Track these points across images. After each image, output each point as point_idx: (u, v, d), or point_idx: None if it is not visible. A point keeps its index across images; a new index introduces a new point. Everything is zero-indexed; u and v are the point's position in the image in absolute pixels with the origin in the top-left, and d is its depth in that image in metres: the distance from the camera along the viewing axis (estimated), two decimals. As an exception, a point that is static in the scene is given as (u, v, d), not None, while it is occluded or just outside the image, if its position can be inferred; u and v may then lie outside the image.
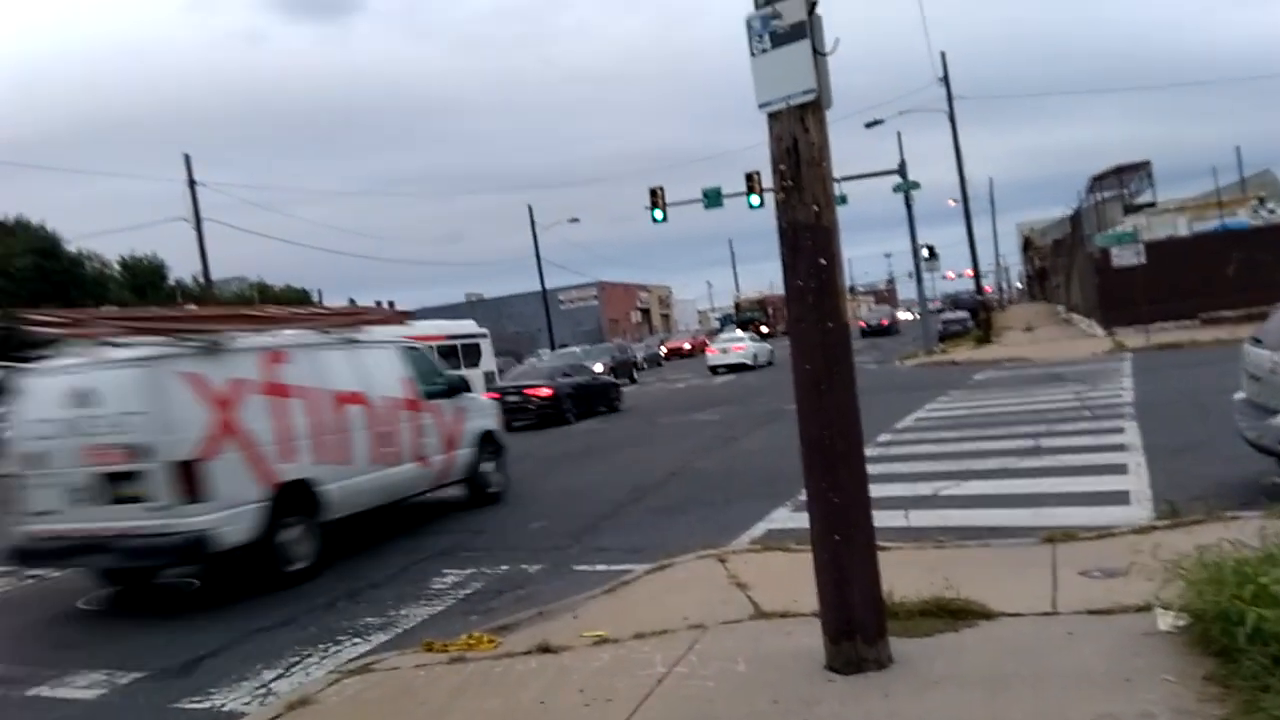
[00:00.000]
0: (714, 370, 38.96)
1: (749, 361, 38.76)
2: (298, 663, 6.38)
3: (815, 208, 4.49)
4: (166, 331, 8.46)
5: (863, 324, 63.81)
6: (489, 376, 34.09)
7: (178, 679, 6.32)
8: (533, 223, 56.36)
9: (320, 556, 8.96)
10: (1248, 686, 3.76)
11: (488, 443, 12.31)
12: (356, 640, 6.77)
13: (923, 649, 4.81)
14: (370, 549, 9.94)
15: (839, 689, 4.44)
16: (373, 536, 10.50)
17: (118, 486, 7.94)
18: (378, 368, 10.52)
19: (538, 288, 59.00)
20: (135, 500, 7.88)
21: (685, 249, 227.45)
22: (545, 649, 5.59)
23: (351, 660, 6.15)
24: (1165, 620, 4.60)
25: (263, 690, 5.89)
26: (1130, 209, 42.34)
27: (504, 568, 8.48)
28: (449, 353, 33.71)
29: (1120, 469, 9.59)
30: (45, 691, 6.39)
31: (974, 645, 4.85)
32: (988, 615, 5.24)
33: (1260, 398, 7.66)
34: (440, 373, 12.45)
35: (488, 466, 12.18)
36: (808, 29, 4.43)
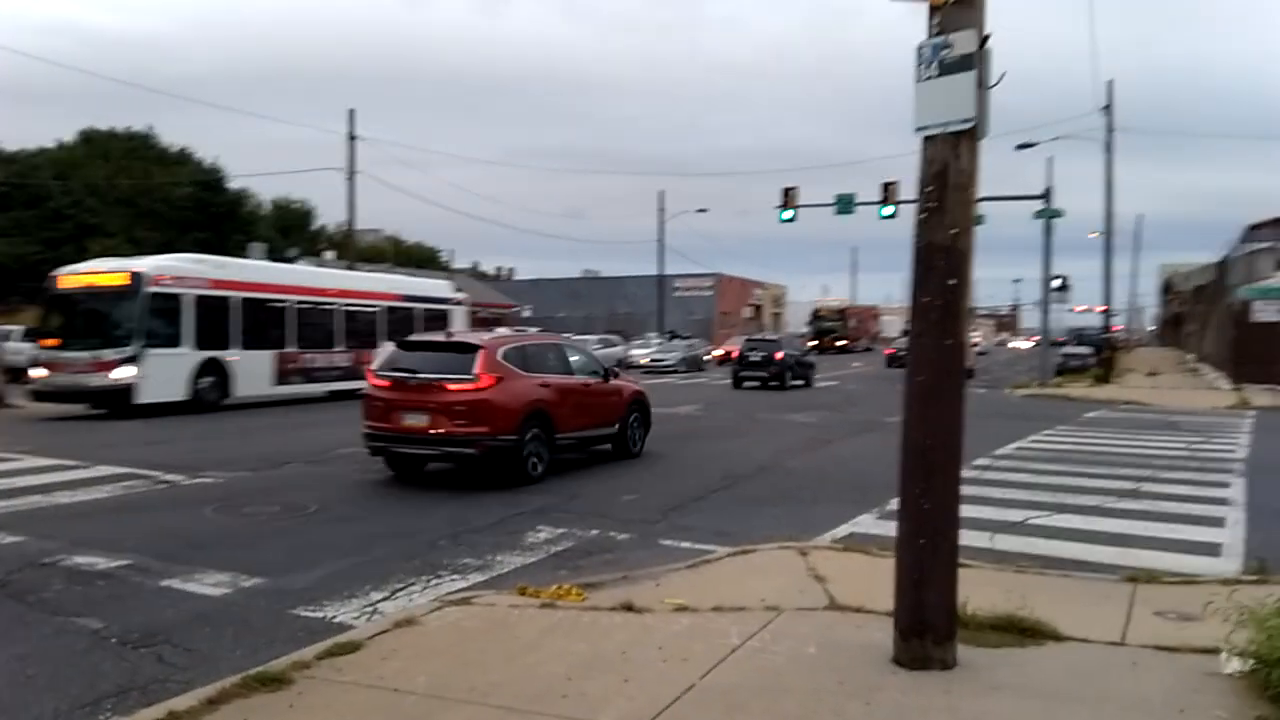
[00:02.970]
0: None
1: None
2: (402, 589, 6.94)
3: (953, 231, 4.70)
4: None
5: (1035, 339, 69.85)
6: None
7: (294, 589, 6.93)
8: (661, 208, 57.00)
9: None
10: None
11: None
12: (455, 577, 7.30)
13: (988, 658, 5.03)
14: (473, 499, 10.54)
15: (902, 680, 4.71)
16: (477, 491, 11.11)
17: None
18: None
19: (655, 271, 59.62)
20: None
21: (807, 251, 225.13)
22: (629, 608, 5.99)
23: (451, 593, 6.67)
24: (1231, 664, 4.71)
25: (370, 609, 6.45)
26: (1285, 264, 40.21)
27: (594, 532, 8.92)
28: (402, 319, 26.55)
29: (1217, 522, 9.47)
30: (176, 584, 7.02)
31: (1038, 661, 5.05)
32: (1056, 637, 5.41)
33: None
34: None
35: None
36: (976, 61, 4.61)
